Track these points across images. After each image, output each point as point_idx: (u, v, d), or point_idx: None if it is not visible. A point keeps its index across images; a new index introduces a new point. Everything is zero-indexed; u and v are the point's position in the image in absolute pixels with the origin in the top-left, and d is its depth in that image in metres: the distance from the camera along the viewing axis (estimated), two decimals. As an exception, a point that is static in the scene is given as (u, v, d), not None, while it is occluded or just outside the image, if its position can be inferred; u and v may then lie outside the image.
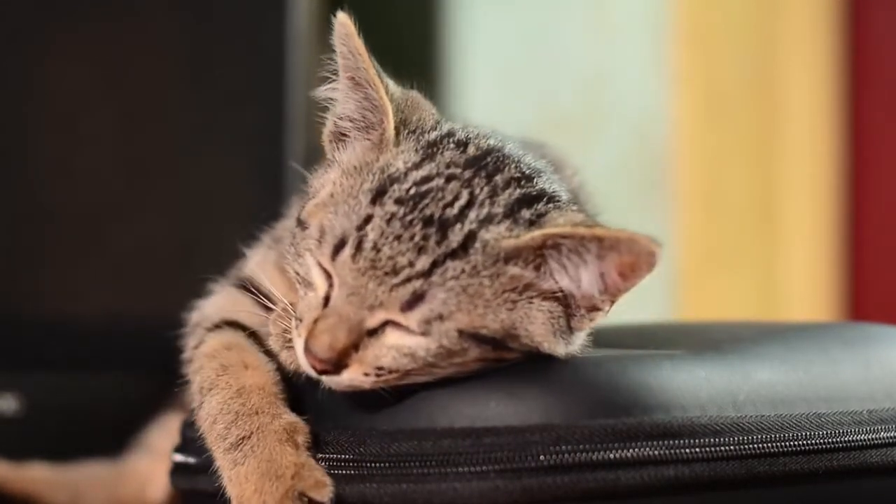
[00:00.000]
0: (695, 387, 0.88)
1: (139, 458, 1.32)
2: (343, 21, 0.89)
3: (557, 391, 0.85)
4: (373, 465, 0.86)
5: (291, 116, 1.59)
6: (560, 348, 0.87)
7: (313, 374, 0.86)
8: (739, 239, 2.30)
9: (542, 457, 0.83)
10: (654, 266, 0.84)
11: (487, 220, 0.85)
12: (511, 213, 0.86)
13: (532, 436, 0.83)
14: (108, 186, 1.61)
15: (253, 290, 0.97)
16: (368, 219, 0.85)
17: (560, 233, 0.84)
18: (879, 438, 0.92)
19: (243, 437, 0.88)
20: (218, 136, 1.59)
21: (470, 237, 0.84)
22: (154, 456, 1.28)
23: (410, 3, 2.34)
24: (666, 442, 0.84)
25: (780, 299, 2.29)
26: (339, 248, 0.85)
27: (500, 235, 0.85)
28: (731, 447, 0.86)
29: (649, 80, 2.24)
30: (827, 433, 0.90)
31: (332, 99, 0.93)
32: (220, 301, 1.00)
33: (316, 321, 0.85)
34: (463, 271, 0.84)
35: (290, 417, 0.89)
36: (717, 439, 0.85)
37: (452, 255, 0.84)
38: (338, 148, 0.93)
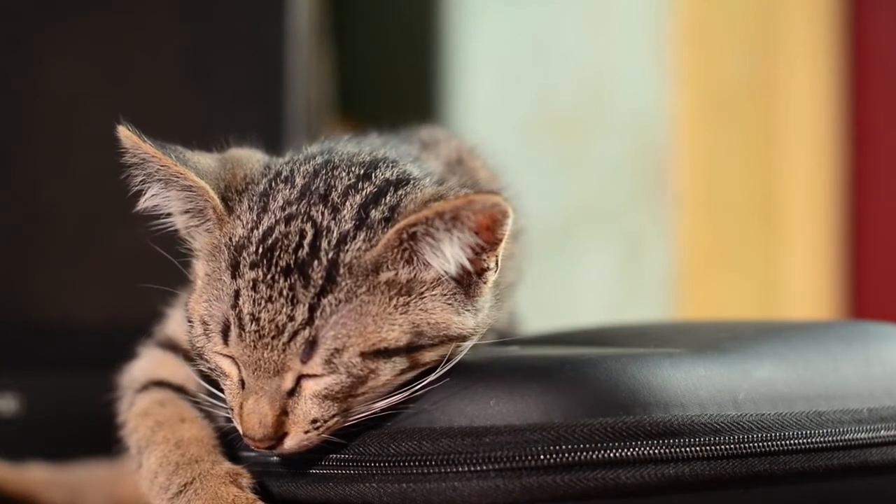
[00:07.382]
0: (694, 385, 0.88)
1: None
2: (125, 134, 0.89)
3: (557, 390, 0.85)
4: (373, 464, 0.86)
5: (291, 116, 1.59)
6: (469, 322, 0.87)
7: (266, 453, 0.86)
8: (739, 239, 2.30)
9: (542, 456, 0.83)
10: (507, 214, 0.83)
11: (341, 242, 0.84)
12: (361, 221, 0.85)
13: (532, 435, 0.83)
14: (108, 188, 1.60)
15: (177, 348, 0.98)
16: (237, 294, 0.85)
17: (407, 223, 0.84)
18: (880, 437, 0.92)
19: (186, 484, 0.88)
20: (218, 136, 1.59)
21: (332, 267, 0.84)
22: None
23: (411, 3, 2.34)
24: (666, 441, 0.84)
25: (780, 299, 2.29)
26: (226, 332, 0.85)
27: (358, 251, 0.84)
28: (731, 446, 0.86)
29: (649, 79, 2.24)
30: (827, 431, 0.90)
31: (157, 206, 0.92)
32: (145, 363, 1.01)
33: (241, 406, 0.85)
34: (339, 301, 0.83)
35: (231, 465, 0.89)
36: (716, 438, 0.85)
37: (323, 292, 0.83)
38: (193, 239, 0.93)
